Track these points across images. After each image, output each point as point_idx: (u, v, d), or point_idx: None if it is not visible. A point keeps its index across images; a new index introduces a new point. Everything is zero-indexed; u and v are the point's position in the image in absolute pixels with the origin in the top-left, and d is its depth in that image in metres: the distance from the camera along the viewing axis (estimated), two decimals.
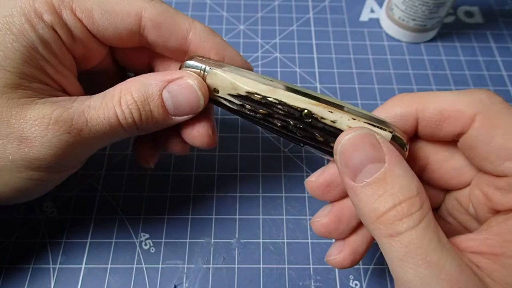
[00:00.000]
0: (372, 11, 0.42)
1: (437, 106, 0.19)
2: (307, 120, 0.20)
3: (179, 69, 0.22)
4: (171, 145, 0.25)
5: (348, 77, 0.37)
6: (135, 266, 0.27)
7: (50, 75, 0.21)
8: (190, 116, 0.22)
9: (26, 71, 0.20)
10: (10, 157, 0.19)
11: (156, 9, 0.21)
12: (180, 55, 0.23)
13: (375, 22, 0.41)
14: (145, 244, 0.28)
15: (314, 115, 0.20)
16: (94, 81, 0.25)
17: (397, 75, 0.37)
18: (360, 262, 0.28)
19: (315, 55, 0.38)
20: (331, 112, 0.20)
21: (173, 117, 0.22)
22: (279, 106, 0.21)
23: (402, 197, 0.16)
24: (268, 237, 0.29)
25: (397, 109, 0.20)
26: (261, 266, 0.28)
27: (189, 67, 0.22)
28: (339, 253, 0.22)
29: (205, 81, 0.21)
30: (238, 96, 0.21)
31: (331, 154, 0.21)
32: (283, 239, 0.29)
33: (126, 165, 0.31)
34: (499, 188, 0.18)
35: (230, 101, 0.22)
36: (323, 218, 0.22)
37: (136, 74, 0.27)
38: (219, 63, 0.22)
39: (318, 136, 0.21)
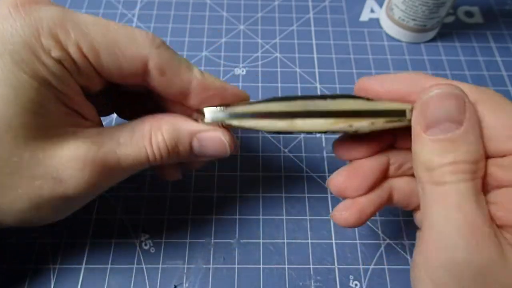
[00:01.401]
0: (372, 11, 0.42)
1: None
2: (331, 133, 0.22)
3: (194, 119, 0.24)
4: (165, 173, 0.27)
5: (348, 77, 0.37)
6: (135, 266, 0.27)
7: (67, 104, 0.21)
8: (213, 158, 0.24)
9: (47, 106, 0.20)
10: (46, 196, 0.20)
11: (161, 57, 0.21)
12: (180, 98, 0.23)
13: (375, 22, 0.41)
14: (145, 244, 0.28)
15: (336, 131, 0.21)
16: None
17: None
18: (360, 262, 0.28)
19: (315, 55, 0.38)
20: (351, 126, 0.21)
21: (198, 158, 0.24)
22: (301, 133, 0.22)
23: (464, 159, 0.18)
24: (268, 237, 0.29)
25: (402, 86, 0.21)
26: (261, 266, 0.28)
27: (208, 123, 0.23)
28: (346, 210, 0.23)
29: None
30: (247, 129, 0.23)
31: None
32: (283, 239, 0.29)
33: None
34: (503, 166, 0.19)
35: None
36: (339, 175, 0.23)
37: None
38: (228, 107, 0.23)
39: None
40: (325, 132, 0.22)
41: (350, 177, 0.23)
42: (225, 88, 0.23)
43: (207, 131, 0.23)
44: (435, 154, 0.18)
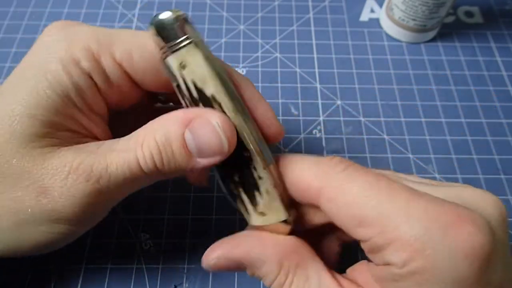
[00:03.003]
0: (372, 11, 0.42)
1: (294, 178, 0.20)
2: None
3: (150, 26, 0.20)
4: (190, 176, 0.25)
5: (348, 77, 0.37)
6: (135, 266, 0.27)
7: (81, 123, 0.20)
8: (218, 159, 0.19)
9: (57, 120, 0.19)
10: (29, 210, 0.18)
11: None
12: None
13: (375, 22, 0.41)
14: (145, 244, 0.28)
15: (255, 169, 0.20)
16: (123, 118, 0.24)
17: (397, 75, 0.37)
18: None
19: (315, 55, 0.38)
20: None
21: (197, 160, 0.20)
22: None
23: (271, 279, 0.20)
24: None
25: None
26: None
27: (162, 27, 0.19)
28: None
29: (177, 50, 0.19)
30: (198, 90, 0.19)
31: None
32: None
33: None
34: (367, 250, 0.19)
35: (187, 87, 0.19)
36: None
37: (167, 98, 0.26)
38: (203, 40, 0.19)
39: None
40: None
41: None
42: (259, 99, 0.22)
43: (199, 118, 0.19)
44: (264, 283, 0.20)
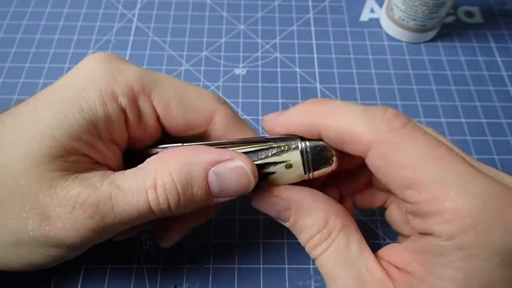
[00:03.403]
0: (372, 11, 0.42)
1: (338, 127, 0.19)
2: None
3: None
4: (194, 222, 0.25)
5: (348, 77, 0.37)
6: (135, 266, 0.27)
7: (99, 150, 0.20)
8: (234, 197, 0.20)
9: (76, 145, 0.19)
10: (31, 233, 0.18)
11: (227, 112, 0.23)
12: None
13: (375, 22, 0.41)
14: (145, 245, 0.28)
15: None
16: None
17: (397, 75, 0.37)
18: None
19: (315, 55, 0.38)
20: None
21: (215, 199, 0.20)
22: None
23: (313, 233, 0.20)
24: (268, 237, 0.29)
25: (301, 119, 0.20)
26: (261, 266, 0.28)
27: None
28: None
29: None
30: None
31: None
32: (283, 239, 0.29)
33: None
34: (409, 211, 0.18)
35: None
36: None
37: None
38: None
39: None
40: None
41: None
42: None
43: (227, 161, 0.19)
44: (298, 236, 0.21)
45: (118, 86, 0.20)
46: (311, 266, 0.28)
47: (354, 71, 0.37)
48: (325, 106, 0.20)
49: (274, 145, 0.20)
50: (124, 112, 0.21)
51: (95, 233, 0.19)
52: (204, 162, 0.19)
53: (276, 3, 0.42)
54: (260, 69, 0.37)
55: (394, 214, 0.23)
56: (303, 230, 0.20)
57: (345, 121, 0.18)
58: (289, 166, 0.20)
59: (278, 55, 0.38)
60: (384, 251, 0.20)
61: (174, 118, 0.22)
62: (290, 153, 0.20)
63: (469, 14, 0.42)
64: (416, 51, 0.39)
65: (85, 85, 0.20)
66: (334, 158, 0.20)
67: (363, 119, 0.18)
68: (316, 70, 0.37)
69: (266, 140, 0.21)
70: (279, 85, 0.36)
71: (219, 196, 0.20)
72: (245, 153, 0.20)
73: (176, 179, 0.19)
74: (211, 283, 0.27)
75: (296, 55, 0.38)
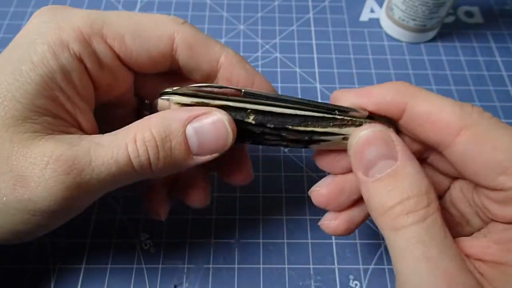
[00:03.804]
0: (372, 11, 0.42)
1: (427, 107, 0.19)
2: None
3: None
4: (191, 195, 0.24)
5: (348, 77, 0.37)
6: (135, 266, 0.27)
7: (66, 108, 0.19)
8: (214, 156, 0.20)
9: (39, 103, 0.18)
10: (4, 198, 0.17)
11: (188, 31, 0.21)
12: (209, 79, 0.22)
13: (375, 22, 0.41)
14: (145, 244, 0.28)
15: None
16: (110, 115, 0.24)
17: (397, 75, 0.37)
18: (360, 262, 0.28)
19: (315, 55, 0.38)
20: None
21: (194, 157, 0.20)
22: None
23: (411, 193, 0.17)
24: (268, 237, 0.29)
25: (389, 95, 0.20)
26: (261, 266, 0.28)
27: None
28: (335, 219, 0.22)
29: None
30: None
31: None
32: (283, 239, 0.29)
33: None
34: (497, 201, 0.18)
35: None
36: (323, 188, 0.22)
37: (151, 112, 0.27)
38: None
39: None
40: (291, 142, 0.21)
41: (333, 193, 0.22)
42: (254, 74, 0.22)
43: (204, 115, 0.19)
44: (381, 196, 0.18)
45: (65, 33, 0.19)
46: (311, 266, 0.28)
47: (354, 71, 0.37)
48: (414, 87, 0.19)
49: (338, 117, 0.20)
50: (80, 59, 0.20)
51: (71, 193, 0.18)
52: (183, 117, 0.19)
53: (276, 3, 0.42)
54: (260, 69, 0.37)
55: (459, 208, 0.21)
56: (399, 188, 0.17)
57: (435, 104, 0.18)
58: (345, 139, 0.20)
59: (278, 55, 0.38)
60: (461, 246, 0.19)
61: (134, 53, 0.21)
62: (352, 128, 0.20)
63: (469, 14, 0.42)
64: (416, 51, 0.39)
65: (33, 41, 0.19)
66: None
67: (454, 106, 0.18)
68: (316, 70, 0.37)
69: (331, 109, 0.20)
70: (279, 85, 0.36)
71: (198, 153, 0.19)
72: (307, 117, 0.20)
73: (155, 132, 0.18)
74: (211, 283, 0.27)
75: (296, 55, 0.38)
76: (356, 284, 0.27)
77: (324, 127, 0.20)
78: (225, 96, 0.20)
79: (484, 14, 0.42)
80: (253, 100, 0.20)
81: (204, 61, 0.22)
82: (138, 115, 0.25)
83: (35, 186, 0.17)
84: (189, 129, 0.19)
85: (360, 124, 0.20)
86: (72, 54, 0.19)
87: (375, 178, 0.18)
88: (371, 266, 0.28)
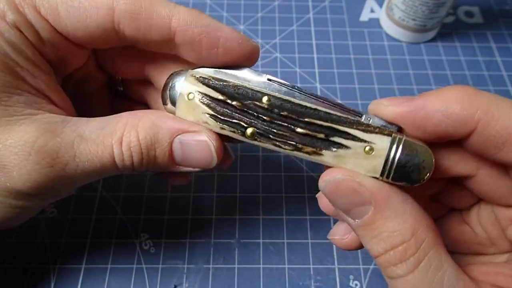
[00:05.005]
0: (372, 11, 0.42)
1: (508, 122, 0.15)
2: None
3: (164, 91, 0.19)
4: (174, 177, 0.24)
5: (348, 77, 0.37)
6: (135, 266, 0.27)
7: (30, 84, 0.18)
8: (199, 170, 0.20)
9: (3, 81, 0.17)
10: None
11: (128, 0, 0.18)
12: (168, 48, 0.20)
13: (375, 22, 0.41)
14: (145, 244, 0.28)
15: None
16: (81, 90, 0.23)
17: (397, 75, 0.37)
18: (360, 262, 0.28)
19: (315, 55, 0.38)
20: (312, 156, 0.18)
21: (177, 166, 0.20)
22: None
23: (394, 242, 0.16)
24: (268, 237, 0.29)
25: (457, 107, 0.16)
26: (261, 266, 0.28)
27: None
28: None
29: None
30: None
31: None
32: (283, 239, 0.29)
33: None
34: None
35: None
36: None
37: (124, 86, 0.26)
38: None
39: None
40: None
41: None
42: (217, 28, 0.19)
43: (194, 132, 0.19)
44: (366, 243, 0.16)
45: (1, 4, 0.18)
46: (311, 266, 0.28)
47: (354, 71, 0.37)
48: (484, 95, 0.16)
49: (364, 120, 0.18)
50: (20, 31, 0.18)
51: (55, 183, 0.18)
52: (172, 128, 0.19)
53: (276, 3, 0.42)
54: (260, 69, 0.37)
55: (485, 228, 0.20)
56: (381, 235, 0.16)
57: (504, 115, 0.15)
58: (369, 150, 0.17)
59: (278, 55, 0.38)
60: (477, 271, 0.17)
61: (69, 27, 0.19)
62: (378, 136, 0.17)
63: (469, 14, 0.42)
64: (416, 51, 0.39)
65: None
66: (428, 175, 0.17)
67: None
68: (316, 70, 0.37)
69: (358, 113, 0.18)
70: None
71: (181, 164, 0.20)
72: (328, 113, 0.18)
73: (142, 139, 0.18)
74: (211, 283, 0.27)
75: (296, 55, 0.38)
76: (356, 284, 0.27)
77: (346, 126, 0.17)
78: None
79: (484, 14, 0.42)
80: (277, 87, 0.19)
81: (152, 30, 0.19)
82: (111, 90, 0.26)
83: (17, 176, 0.17)
84: (176, 142, 0.19)
85: (389, 135, 0.17)
86: (11, 25, 0.18)
87: (356, 223, 0.17)
88: (371, 266, 0.28)
